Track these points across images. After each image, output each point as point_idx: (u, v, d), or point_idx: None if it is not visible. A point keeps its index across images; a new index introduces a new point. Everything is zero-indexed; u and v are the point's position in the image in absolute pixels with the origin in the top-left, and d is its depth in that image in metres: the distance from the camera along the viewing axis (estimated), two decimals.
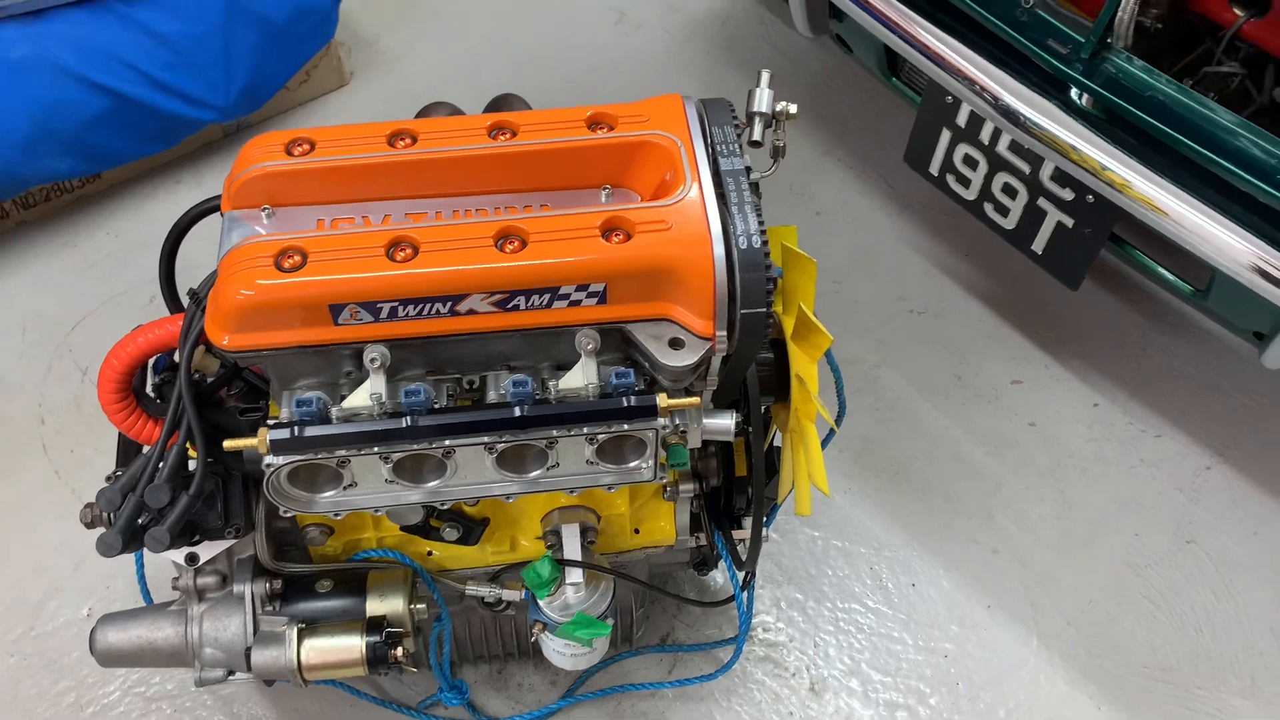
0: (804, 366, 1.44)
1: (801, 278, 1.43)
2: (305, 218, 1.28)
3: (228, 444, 1.20)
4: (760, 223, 1.23)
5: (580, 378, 1.23)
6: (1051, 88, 1.83)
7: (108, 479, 1.37)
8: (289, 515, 1.32)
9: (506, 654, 1.87)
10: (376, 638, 1.45)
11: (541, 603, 1.54)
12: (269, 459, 1.21)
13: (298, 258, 1.18)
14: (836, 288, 2.47)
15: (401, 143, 1.29)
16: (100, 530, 1.32)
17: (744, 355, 1.27)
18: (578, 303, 1.21)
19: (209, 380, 1.35)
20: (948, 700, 1.88)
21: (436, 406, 1.24)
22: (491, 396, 1.28)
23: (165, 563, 1.47)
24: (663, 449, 1.34)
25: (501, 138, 1.30)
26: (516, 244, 1.20)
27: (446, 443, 1.23)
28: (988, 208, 2.05)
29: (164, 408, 1.34)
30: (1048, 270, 2.03)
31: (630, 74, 2.84)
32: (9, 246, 2.45)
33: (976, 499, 2.14)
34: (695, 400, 1.24)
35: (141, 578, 1.67)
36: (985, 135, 1.95)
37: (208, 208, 1.38)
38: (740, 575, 1.71)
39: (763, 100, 1.48)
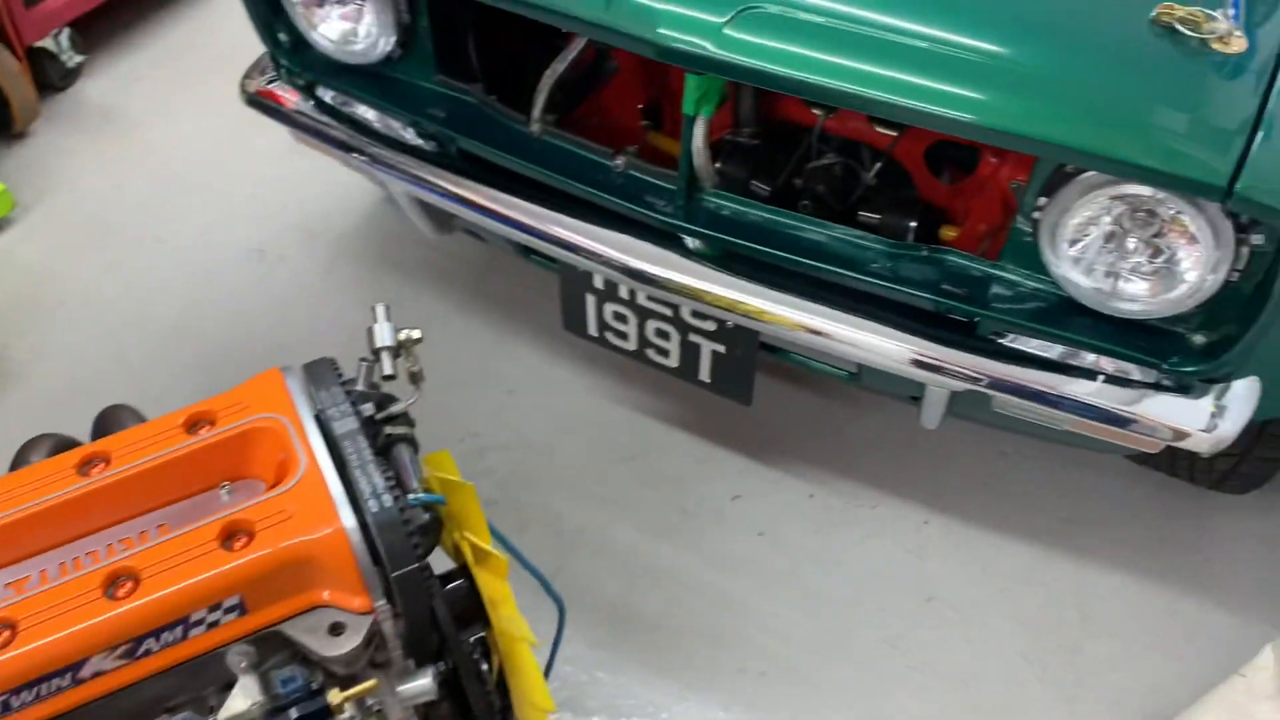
0: (494, 589, 1.40)
1: (466, 503, 1.40)
2: None
3: None
4: (389, 478, 1.20)
5: (242, 700, 1.14)
6: (666, 237, 1.92)
7: None
8: None
9: None
10: None
11: None
12: None
13: None
14: (549, 459, 2.47)
15: None
16: None
17: (415, 612, 1.22)
18: (216, 623, 1.13)
19: None
20: None
21: None
22: None
23: None
24: None
25: (94, 471, 1.21)
26: (129, 585, 1.11)
27: None
28: (650, 353, 2.12)
29: None
30: (720, 394, 2.11)
31: (284, 310, 2.77)
32: None
33: (731, 626, 2.15)
34: (371, 684, 1.17)
35: None
36: (624, 293, 2.03)
37: None
38: None
39: (384, 334, 1.47)
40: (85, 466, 1.21)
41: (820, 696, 2.04)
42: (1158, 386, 1.66)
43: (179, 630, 1.11)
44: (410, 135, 2.11)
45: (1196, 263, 1.55)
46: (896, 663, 2.09)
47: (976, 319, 1.74)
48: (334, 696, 1.14)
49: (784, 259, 1.80)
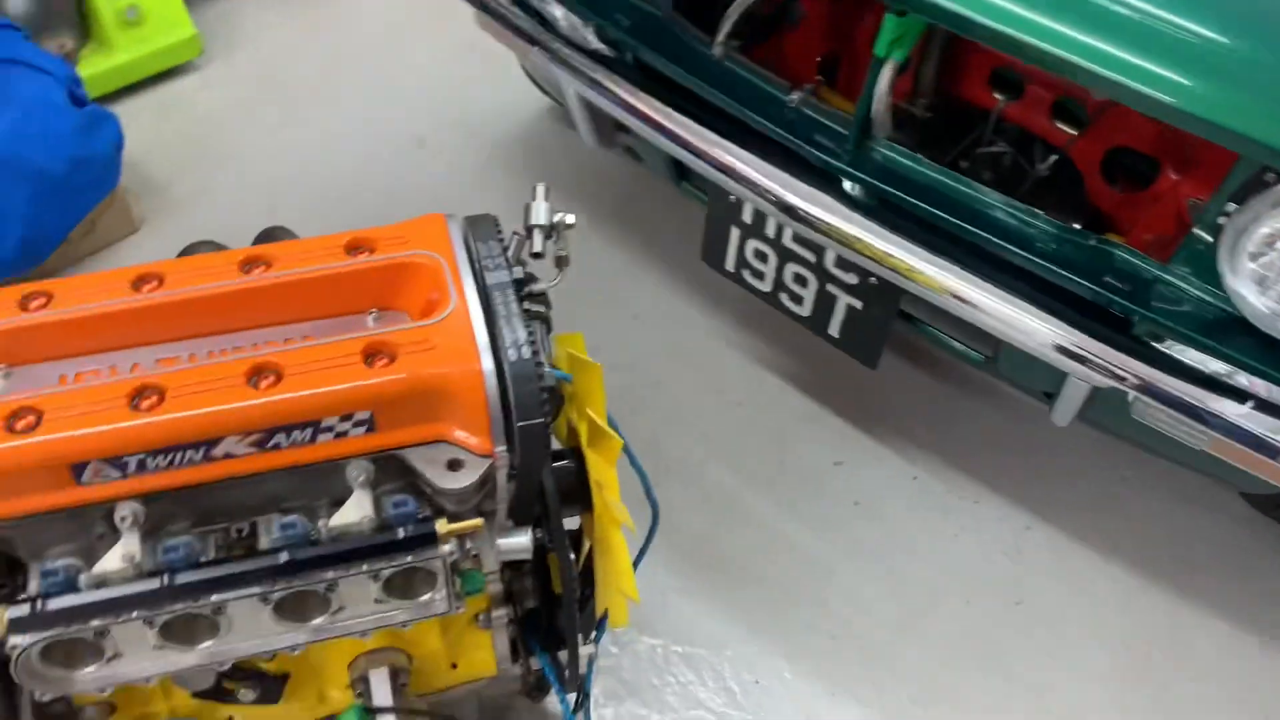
0: (602, 472, 1.41)
1: (590, 383, 1.41)
2: (47, 374, 1.20)
3: None
4: (530, 333, 1.21)
5: (354, 513, 1.17)
6: (826, 181, 1.90)
7: None
8: (57, 698, 1.20)
9: None
10: None
11: None
12: (13, 639, 1.10)
13: (31, 418, 1.10)
14: (657, 389, 2.48)
15: (147, 286, 1.23)
16: None
17: (530, 468, 1.24)
18: (344, 434, 1.16)
19: None
20: None
21: (202, 561, 1.16)
22: (264, 543, 1.20)
23: None
24: (458, 576, 1.29)
25: (256, 271, 1.25)
26: (271, 379, 1.14)
27: (213, 599, 1.14)
28: (783, 297, 2.10)
29: None
30: (846, 352, 2.08)
31: (433, 200, 2.83)
32: None
33: (810, 586, 2.14)
34: (478, 523, 1.20)
35: None
36: (770, 230, 2.01)
37: None
38: (570, 698, 1.64)
39: (540, 213, 1.48)
40: (248, 265, 1.26)
41: (886, 670, 2.01)
42: None
43: (309, 432, 1.15)
44: (592, 38, 2.12)
45: None
46: (971, 656, 2.05)
47: (1134, 318, 1.67)
48: (441, 526, 1.17)
49: (945, 221, 1.76)
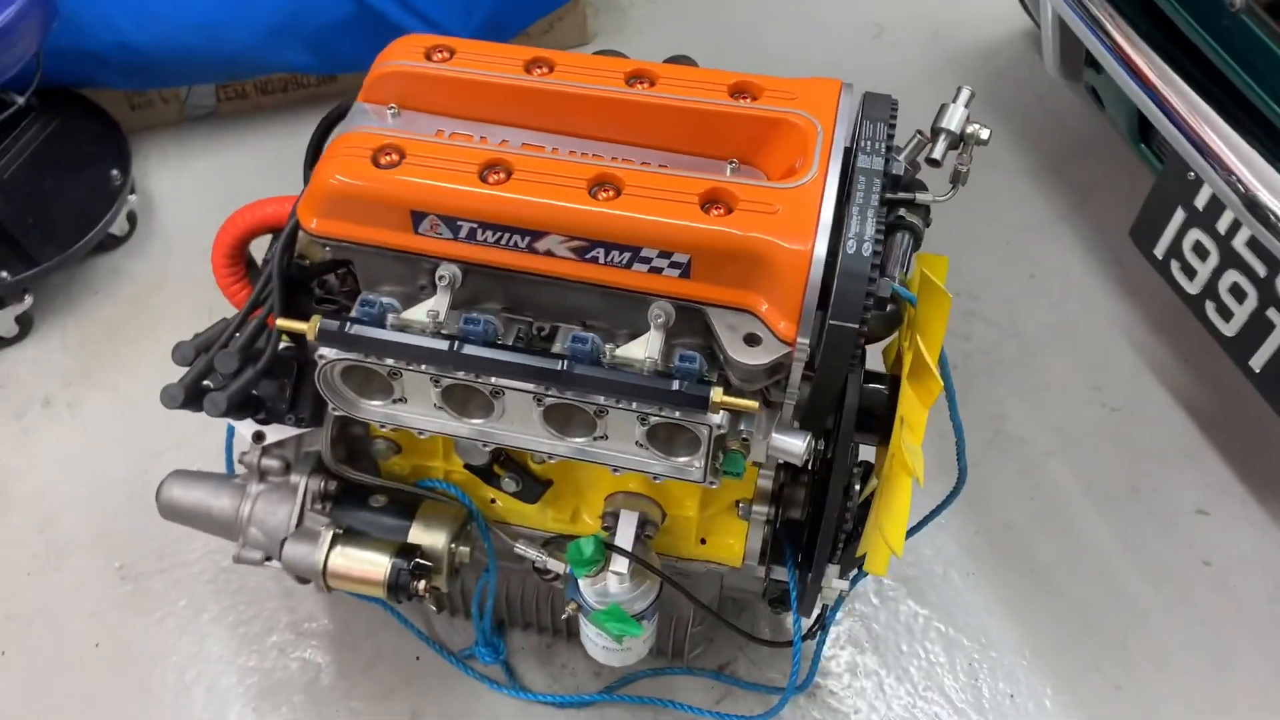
0: (912, 410, 1.28)
1: (933, 314, 1.27)
2: (428, 124, 1.26)
3: (280, 322, 1.19)
4: (880, 231, 1.09)
5: (640, 349, 1.14)
6: None
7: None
8: (359, 422, 1.30)
9: (556, 630, 1.80)
10: (404, 565, 1.41)
11: (580, 582, 1.46)
12: (321, 350, 1.19)
13: (395, 156, 1.16)
14: (1028, 359, 2.25)
15: (538, 70, 1.24)
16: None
17: (829, 372, 1.14)
18: (658, 270, 1.12)
19: (309, 265, 1.35)
20: None
21: (498, 343, 1.18)
22: (555, 348, 1.21)
23: None
24: (722, 453, 1.23)
25: (639, 86, 1.22)
26: (610, 193, 1.12)
27: (493, 381, 1.17)
28: (1209, 307, 1.79)
29: None
30: (1262, 392, 1.75)
31: (874, 85, 2.69)
32: (243, 124, 2.61)
33: (1115, 625, 1.88)
34: (753, 404, 1.12)
35: (229, 447, 1.71)
36: (1223, 224, 1.70)
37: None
38: (804, 623, 1.56)
39: (954, 118, 1.33)
40: (632, 79, 1.23)
41: None
42: None
43: (626, 256, 1.12)
44: None
45: None
46: None
47: None
48: (715, 395, 1.11)
49: None
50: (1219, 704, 1.79)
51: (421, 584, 1.42)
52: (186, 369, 1.33)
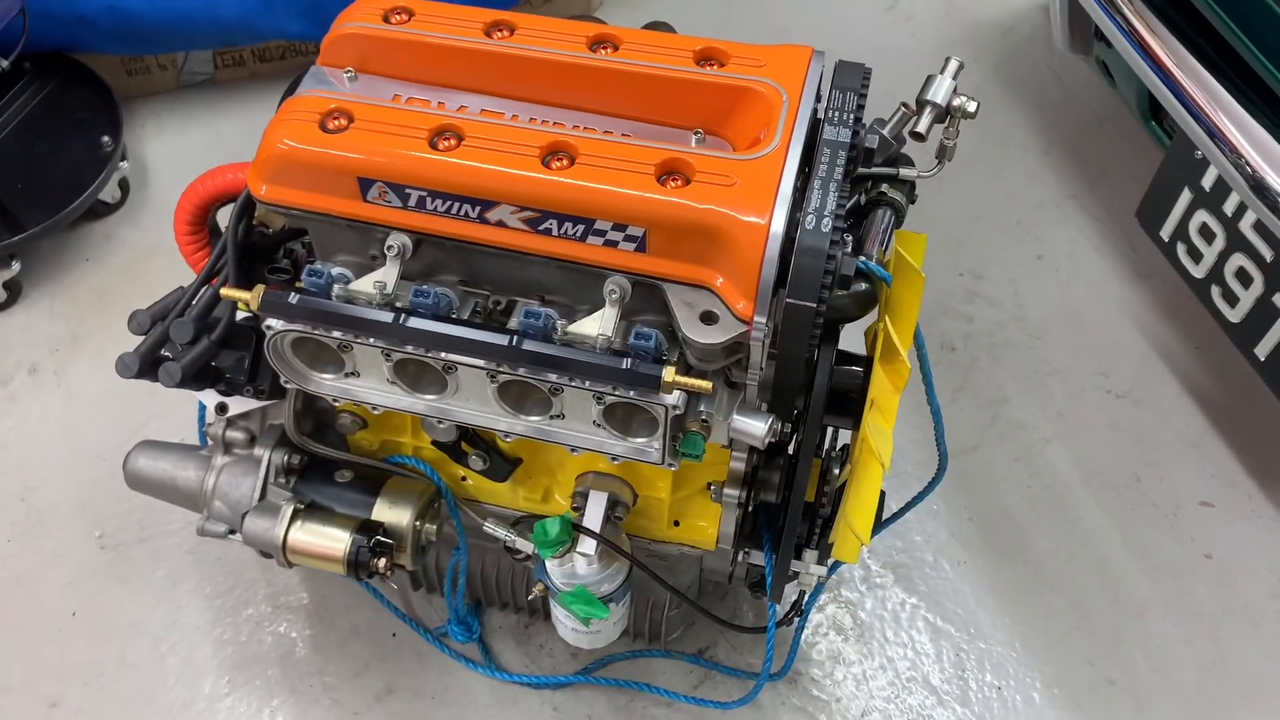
0: (883, 393, 1.24)
1: (905, 293, 1.22)
2: (385, 89, 1.22)
3: (223, 291, 1.16)
4: (841, 206, 1.04)
5: (592, 326, 1.10)
6: None
7: None
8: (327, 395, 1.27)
9: (533, 610, 1.77)
10: (364, 541, 1.39)
11: (547, 563, 1.43)
12: (268, 320, 1.16)
13: (343, 120, 1.12)
14: (1032, 342, 2.18)
15: (498, 33, 1.20)
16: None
17: (790, 353, 1.10)
18: (613, 244, 1.08)
19: (266, 233, 1.32)
20: None
21: (451, 316, 1.15)
22: (512, 324, 1.17)
23: None
24: (682, 433, 1.19)
25: (601, 51, 1.18)
26: (564, 162, 1.08)
27: (443, 356, 1.13)
28: (1215, 292, 1.73)
29: None
30: (1266, 380, 1.69)
31: (882, 66, 2.61)
32: (240, 91, 2.57)
33: (1110, 618, 1.83)
34: (705, 385, 1.08)
35: (201, 419, 1.69)
36: (1229, 206, 1.63)
37: None
38: (779, 607, 1.52)
39: (940, 89, 1.27)
40: (595, 44, 1.18)
41: None
42: None
43: (580, 229, 1.08)
44: None
45: None
46: None
47: None
48: (667, 374, 1.07)
49: None
50: (1215, 702, 1.74)
51: (382, 561, 1.40)
52: (141, 338, 1.31)
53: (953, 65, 1.30)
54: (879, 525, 1.55)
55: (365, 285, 1.13)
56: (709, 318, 1.07)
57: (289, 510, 1.41)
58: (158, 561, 1.87)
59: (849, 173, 1.09)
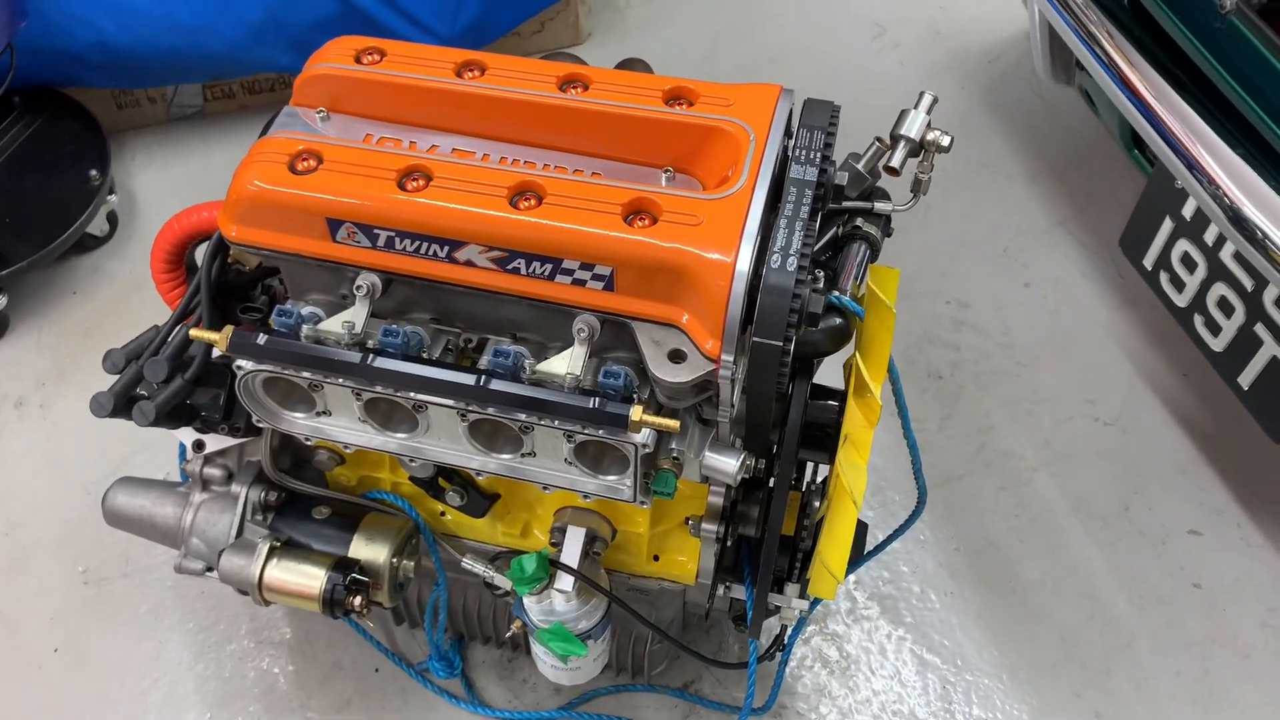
0: (856, 429, 1.23)
1: (876, 328, 1.22)
2: (357, 128, 1.22)
3: (192, 332, 1.16)
4: (807, 244, 1.04)
5: (561, 364, 1.10)
6: None
7: None
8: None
9: (516, 644, 1.76)
10: (339, 579, 1.38)
11: (525, 600, 1.42)
12: (238, 361, 1.16)
13: (312, 161, 1.12)
14: (1019, 370, 2.18)
15: (469, 73, 1.20)
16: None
17: (759, 391, 1.09)
18: (581, 282, 1.08)
19: (243, 271, 1.32)
20: None
21: (421, 356, 1.15)
22: (483, 362, 1.17)
23: None
24: (653, 470, 1.19)
25: (571, 91, 1.18)
26: (532, 202, 1.08)
27: (413, 395, 1.13)
28: (1197, 321, 1.72)
29: None
30: (1251, 411, 1.68)
31: (870, 94, 2.62)
32: (230, 124, 2.59)
33: (1098, 649, 1.81)
34: (673, 424, 1.07)
35: (181, 456, 1.69)
36: (1210, 236, 1.63)
37: None
38: (759, 641, 1.51)
39: (914, 124, 1.28)
40: (565, 84, 1.19)
41: None
42: None
43: (548, 268, 1.08)
44: None
45: None
46: None
47: None
48: (635, 413, 1.06)
49: None
50: None
51: (358, 599, 1.39)
52: (117, 377, 1.31)
53: (926, 100, 1.31)
54: (862, 558, 1.54)
55: (334, 325, 1.13)
56: (677, 356, 1.07)
57: (265, 548, 1.40)
58: (141, 596, 1.86)
59: (816, 210, 1.09)
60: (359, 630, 1.77)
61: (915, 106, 1.30)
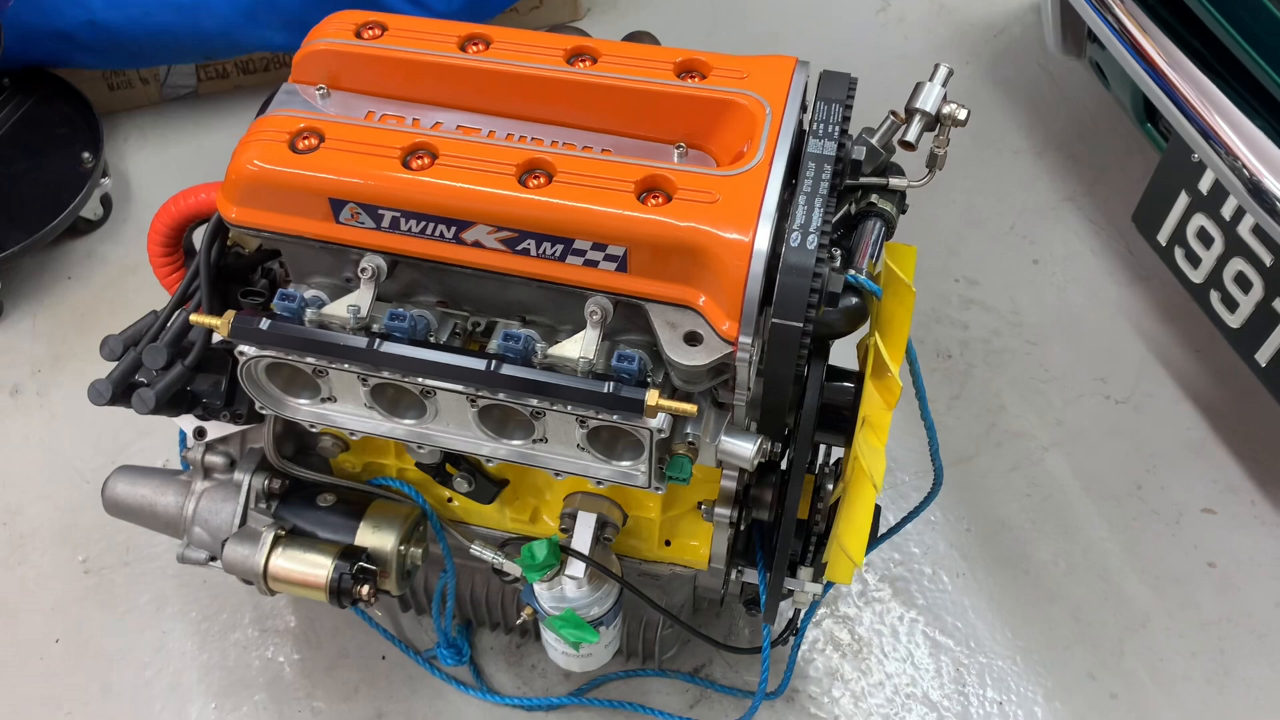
0: (875, 410, 1.20)
1: (895, 308, 1.19)
2: (358, 106, 1.19)
3: (193, 318, 1.13)
4: (826, 222, 1.01)
5: (573, 348, 1.07)
6: None
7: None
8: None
9: (524, 631, 1.74)
10: (346, 568, 1.35)
11: (535, 586, 1.40)
12: (240, 347, 1.12)
13: (314, 140, 1.09)
14: (1029, 348, 2.15)
15: (473, 47, 1.17)
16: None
17: (777, 373, 1.06)
18: (593, 263, 1.05)
19: (242, 254, 1.29)
20: None
21: (429, 340, 1.11)
22: (492, 346, 1.14)
23: None
24: (668, 456, 1.16)
25: (580, 64, 1.14)
26: (542, 180, 1.05)
27: (421, 381, 1.10)
28: (1214, 297, 1.69)
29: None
30: (1267, 386, 1.65)
31: (874, 68, 2.58)
32: (223, 104, 2.54)
33: (1112, 629, 1.79)
34: (690, 408, 1.04)
35: (182, 443, 1.65)
36: (1227, 210, 1.60)
37: None
38: (772, 626, 1.49)
39: (930, 97, 1.24)
40: (573, 57, 1.15)
41: None
42: None
43: (559, 249, 1.05)
44: None
45: None
46: None
47: None
48: (651, 397, 1.03)
49: None
50: (1221, 715, 1.71)
51: (365, 589, 1.36)
52: (115, 363, 1.27)
53: (942, 72, 1.27)
54: (875, 540, 1.52)
55: (339, 309, 1.10)
56: (693, 338, 1.04)
57: (269, 536, 1.37)
58: (142, 586, 1.84)
59: (835, 186, 1.06)
60: (365, 618, 1.75)
61: (931, 79, 1.26)
